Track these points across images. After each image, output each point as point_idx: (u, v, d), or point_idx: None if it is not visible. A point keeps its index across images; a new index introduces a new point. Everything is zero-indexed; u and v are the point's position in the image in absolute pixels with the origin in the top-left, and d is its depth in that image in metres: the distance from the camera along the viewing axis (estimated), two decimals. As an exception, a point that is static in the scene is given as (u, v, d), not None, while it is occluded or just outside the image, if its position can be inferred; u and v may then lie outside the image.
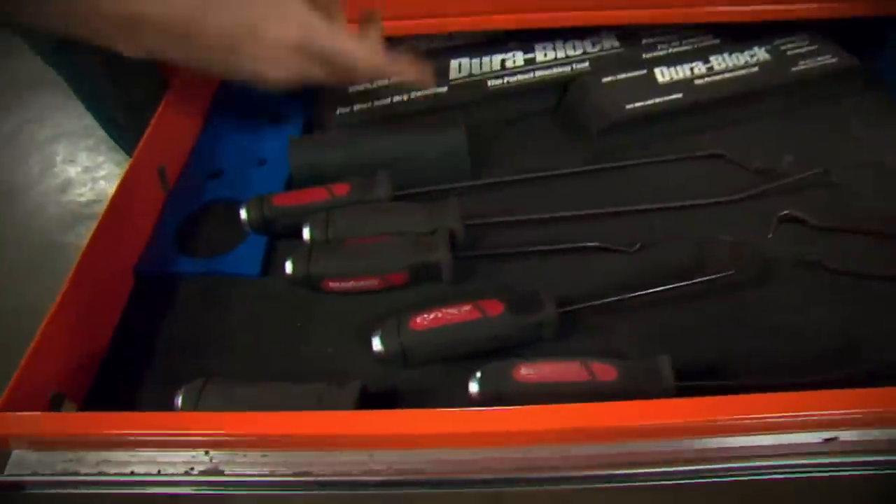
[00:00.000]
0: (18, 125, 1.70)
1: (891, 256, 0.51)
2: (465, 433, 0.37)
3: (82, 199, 1.54)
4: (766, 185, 0.54)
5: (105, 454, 0.40)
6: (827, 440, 0.38)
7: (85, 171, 1.60)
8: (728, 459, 0.38)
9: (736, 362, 0.45)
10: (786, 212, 0.52)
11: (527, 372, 0.41)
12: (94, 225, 0.50)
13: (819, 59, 0.61)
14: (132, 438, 0.39)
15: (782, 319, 0.47)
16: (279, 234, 0.54)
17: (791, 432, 0.38)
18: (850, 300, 0.48)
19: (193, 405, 0.42)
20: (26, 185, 1.56)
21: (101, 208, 0.52)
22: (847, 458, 0.38)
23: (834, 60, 0.61)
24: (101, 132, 0.87)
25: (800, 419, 0.37)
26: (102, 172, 1.58)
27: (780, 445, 0.38)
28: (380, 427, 0.38)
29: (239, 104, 0.67)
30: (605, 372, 0.41)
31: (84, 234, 0.49)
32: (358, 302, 0.50)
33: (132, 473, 0.39)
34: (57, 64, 0.75)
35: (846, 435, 0.38)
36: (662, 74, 0.60)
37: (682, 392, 0.40)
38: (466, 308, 0.44)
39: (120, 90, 0.75)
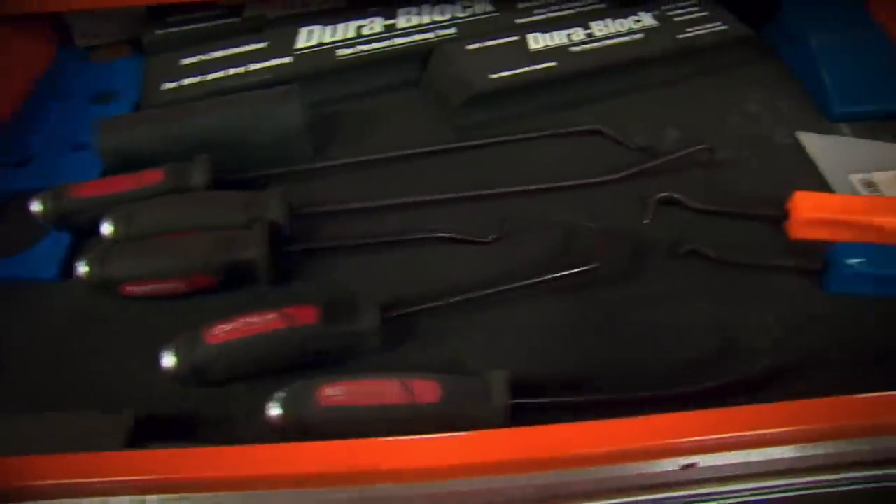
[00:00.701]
0: None
1: (776, 242, 0.45)
2: (240, 476, 0.30)
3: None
4: (643, 165, 0.47)
5: None
6: (685, 466, 0.32)
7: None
8: (564, 499, 0.32)
9: (597, 371, 0.38)
10: (663, 194, 0.46)
11: (333, 393, 0.34)
12: None
13: (709, 26, 0.55)
14: None
15: (653, 319, 0.40)
16: (84, 230, 0.46)
17: (640, 461, 0.32)
18: (728, 294, 0.42)
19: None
20: None
21: None
22: (707, 489, 0.32)
23: (725, 28, 0.55)
24: None
25: (649, 448, 0.31)
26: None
27: (627, 476, 0.32)
28: (145, 470, 0.31)
29: (63, 78, 0.58)
30: (427, 391, 0.34)
31: None
32: (165, 309, 0.42)
33: None
34: None
35: (706, 460, 0.32)
36: (536, 41, 0.53)
37: (517, 413, 0.34)
38: (272, 316, 0.37)
39: None
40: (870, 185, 0.49)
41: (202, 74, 0.51)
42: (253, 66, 0.51)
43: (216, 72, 0.51)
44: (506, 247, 0.44)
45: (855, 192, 0.49)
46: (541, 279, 0.39)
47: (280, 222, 0.42)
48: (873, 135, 0.53)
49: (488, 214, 0.46)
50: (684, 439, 0.31)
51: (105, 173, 0.49)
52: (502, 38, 0.53)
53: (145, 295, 0.42)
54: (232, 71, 0.51)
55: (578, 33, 0.54)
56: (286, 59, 0.52)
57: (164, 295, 0.42)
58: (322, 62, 0.52)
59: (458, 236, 0.43)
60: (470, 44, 0.52)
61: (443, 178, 0.49)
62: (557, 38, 0.53)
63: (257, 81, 0.51)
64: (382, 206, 0.46)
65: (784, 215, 0.45)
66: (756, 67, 0.57)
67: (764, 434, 0.31)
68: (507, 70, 0.50)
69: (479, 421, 0.33)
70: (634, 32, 0.54)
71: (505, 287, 0.39)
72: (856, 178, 0.50)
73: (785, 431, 0.31)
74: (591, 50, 0.53)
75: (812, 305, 0.42)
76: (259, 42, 0.53)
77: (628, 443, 0.31)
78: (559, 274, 0.39)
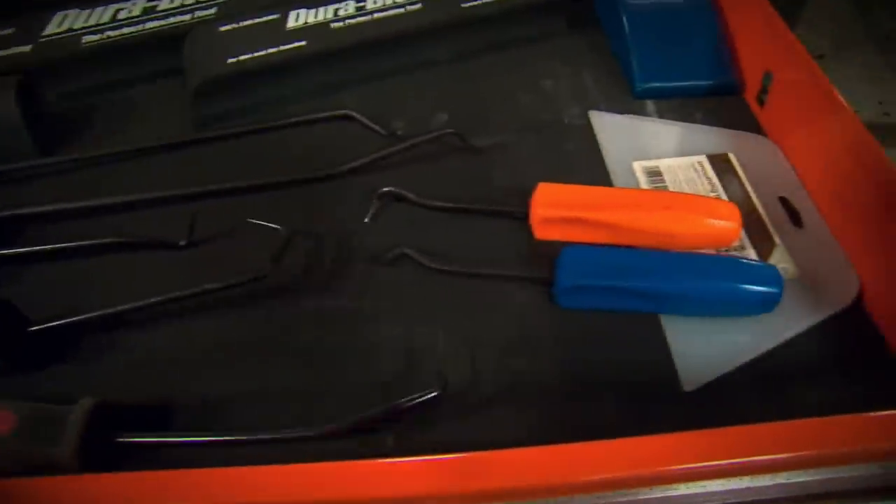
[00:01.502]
0: None
1: (523, 244, 0.40)
2: None
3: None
4: (372, 156, 0.42)
5: None
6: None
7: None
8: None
9: (252, 399, 0.34)
10: (387, 189, 0.41)
11: None
12: None
13: (502, -9, 0.49)
14: None
15: (333, 339, 0.36)
16: None
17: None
18: (439, 309, 0.37)
19: None
20: None
21: None
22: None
23: (520, -7, 0.49)
24: None
25: None
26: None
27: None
28: None
29: None
30: (2, 421, 0.30)
31: None
32: None
33: None
34: None
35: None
36: (297, 18, 0.48)
37: (108, 451, 0.30)
38: None
39: None
40: (654, 173, 0.43)
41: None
42: (-12, 56, 0.48)
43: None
44: (204, 252, 0.40)
45: (635, 181, 0.43)
46: (192, 292, 0.35)
47: (-46, 228, 0.39)
48: (682, 114, 0.47)
49: (205, 216, 0.42)
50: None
51: None
52: (263, 16, 0.48)
53: None
54: (-33, 62, 0.48)
55: (348, 7, 0.48)
56: (26, 48, 0.48)
57: None
58: (65, 50, 0.48)
59: (144, 240, 0.39)
60: (224, 24, 0.48)
61: (176, 176, 0.44)
62: (322, 14, 0.48)
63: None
64: (86, 207, 0.42)
65: (527, 212, 0.40)
66: (563, 39, 0.51)
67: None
68: (247, 53, 0.45)
69: (53, 460, 0.30)
70: (413, 3, 0.48)
71: (154, 301, 0.35)
72: (639, 165, 0.43)
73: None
74: (356, 25, 0.47)
75: (533, 324, 0.36)
76: (6, 28, 0.50)
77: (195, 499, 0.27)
78: (211, 287, 0.35)
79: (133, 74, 0.50)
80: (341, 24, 0.47)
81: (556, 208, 0.38)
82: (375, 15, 0.48)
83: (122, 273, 0.39)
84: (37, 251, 0.40)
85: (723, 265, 0.36)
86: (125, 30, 0.49)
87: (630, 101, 0.47)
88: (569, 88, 0.48)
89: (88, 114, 0.48)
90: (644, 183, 0.42)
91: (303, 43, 0.46)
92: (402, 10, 0.48)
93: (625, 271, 0.36)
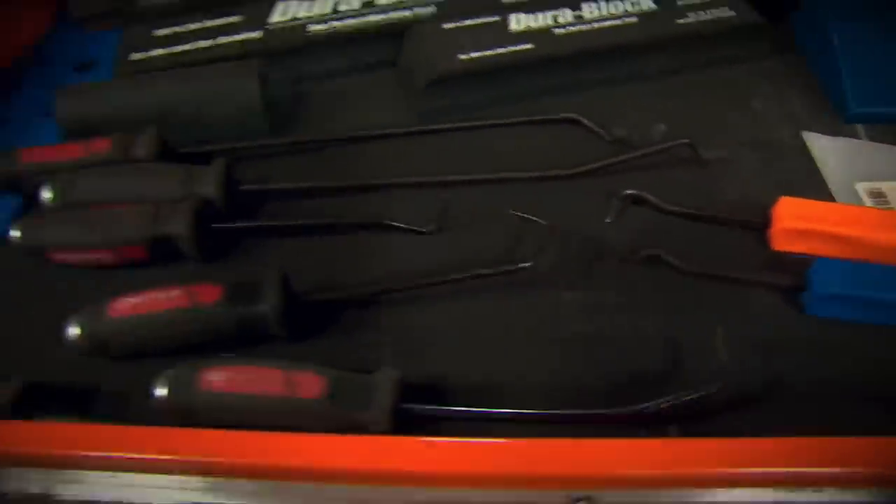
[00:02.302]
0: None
1: (758, 254, 0.40)
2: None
3: None
4: (611, 160, 0.43)
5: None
6: (576, 500, 0.29)
7: None
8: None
9: (517, 381, 0.34)
10: (630, 191, 0.42)
11: (214, 378, 0.32)
12: None
13: (715, 12, 0.50)
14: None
15: (593, 329, 0.37)
16: (32, 194, 0.46)
17: (522, 489, 0.28)
18: (689, 309, 0.38)
19: None
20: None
21: None
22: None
23: (732, 15, 0.50)
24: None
25: (534, 475, 0.28)
26: None
27: None
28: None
29: (53, 46, 0.59)
30: (309, 385, 0.31)
31: None
32: (93, 278, 0.41)
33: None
34: None
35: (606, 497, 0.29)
36: (518, 22, 0.49)
37: (407, 418, 0.31)
38: (175, 293, 0.35)
39: None
40: (878, 195, 0.43)
41: (171, 46, 0.50)
42: (223, 40, 0.50)
43: (185, 44, 0.50)
44: (448, 239, 0.41)
45: (859, 202, 0.43)
46: (465, 275, 0.36)
47: (213, 198, 0.41)
48: (893, 139, 0.47)
49: (440, 203, 0.43)
50: (576, 470, 0.28)
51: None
52: (484, 17, 0.50)
53: (75, 263, 0.41)
54: (201, 44, 0.50)
55: (566, 15, 0.50)
56: (256, 34, 0.50)
57: (94, 265, 0.41)
58: (292, 38, 0.50)
59: (396, 224, 0.41)
60: (446, 23, 0.49)
61: (402, 164, 0.46)
62: (542, 20, 0.49)
63: (225, 55, 0.49)
64: (329, 187, 0.43)
65: (766, 223, 0.41)
66: (768, 60, 0.52)
67: (674, 473, 0.28)
68: (478, 51, 0.47)
69: (361, 423, 0.31)
70: (629, 16, 0.50)
71: (426, 282, 0.36)
72: (862, 187, 0.44)
73: (699, 473, 0.27)
74: (577, 33, 0.48)
75: (784, 328, 0.37)
76: (234, 15, 0.52)
77: (508, 467, 0.28)
78: (485, 272, 0.36)
79: (347, 65, 0.52)
80: (563, 30, 0.49)
81: (801, 221, 0.39)
82: (595, 24, 0.49)
83: (367, 250, 0.41)
84: (289, 225, 0.41)
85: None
86: (348, 21, 0.51)
87: (838, 124, 0.48)
88: (776, 109, 0.49)
89: (307, 99, 0.50)
90: (869, 204, 0.43)
91: (530, 46, 0.47)
92: (619, 21, 0.49)
93: (881, 283, 0.36)
